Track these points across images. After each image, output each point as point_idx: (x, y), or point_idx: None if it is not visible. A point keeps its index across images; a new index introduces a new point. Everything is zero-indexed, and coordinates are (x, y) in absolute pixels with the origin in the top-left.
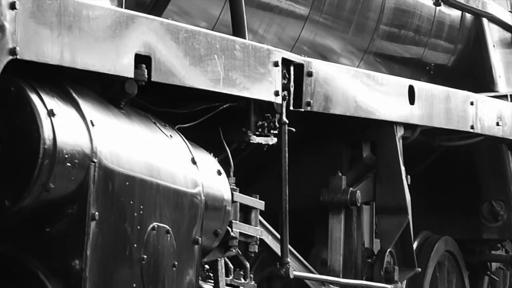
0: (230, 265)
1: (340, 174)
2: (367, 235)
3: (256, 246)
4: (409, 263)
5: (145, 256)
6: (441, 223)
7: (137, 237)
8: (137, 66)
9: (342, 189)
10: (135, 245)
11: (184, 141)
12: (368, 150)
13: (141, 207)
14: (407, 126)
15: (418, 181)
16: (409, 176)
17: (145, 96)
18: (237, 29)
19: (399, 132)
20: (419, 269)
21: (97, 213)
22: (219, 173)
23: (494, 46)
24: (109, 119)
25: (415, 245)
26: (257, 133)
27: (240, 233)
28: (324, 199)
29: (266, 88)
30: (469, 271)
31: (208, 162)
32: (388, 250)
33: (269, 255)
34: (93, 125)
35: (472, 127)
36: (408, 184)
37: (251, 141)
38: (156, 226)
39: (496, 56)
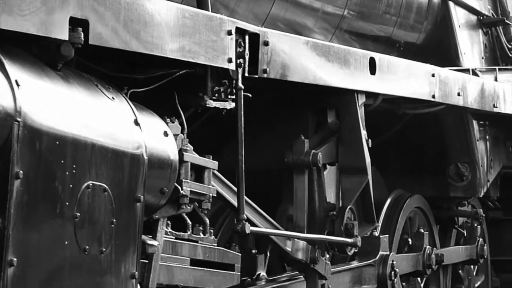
0: (188, 221)
1: (303, 137)
2: (334, 194)
3: (209, 204)
4: (369, 219)
5: (78, 214)
6: (412, 182)
7: (69, 195)
8: (74, 29)
9: (305, 151)
10: (67, 203)
11: (129, 103)
12: (333, 116)
13: (74, 166)
14: (369, 95)
15: (393, 145)
16: (370, 140)
17: (105, 63)
18: (200, 1)
19: (361, 100)
20: (378, 224)
21: (21, 171)
22: (165, 134)
23: (459, 26)
24: (40, 80)
25: (387, 202)
26: (213, 98)
27: (192, 192)
28: (288, 161)
29: (219, 55)
30: (439, 225)
31: (154, 123)
32: (349, 207)
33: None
34: (18, 85)
35: (433, 96)
36: (368, 147)
37: (207, 105)
38: (91, 184)
39: (462, 35)
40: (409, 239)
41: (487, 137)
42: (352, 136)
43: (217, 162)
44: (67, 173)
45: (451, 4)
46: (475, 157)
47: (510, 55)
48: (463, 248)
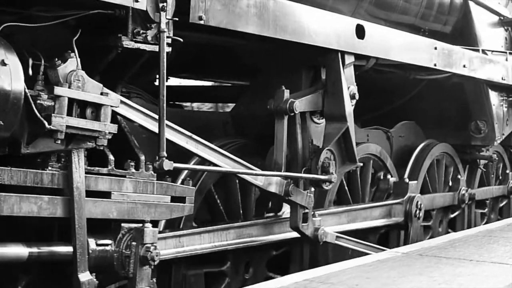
0: (111, 157)
1: (283, 88)
2: (322, 138)
3: (105, 141)
4: (351, 159)
5: None
6: (442, 133)
7: None
8: None
9: (283, 100)
10: None
11: None
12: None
13: None
14: (359, 56)
15: (429, 105)
16: (357, 94)
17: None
18: None
19: (348, 60)
20: (360, 164)
21: None
22: (2, 63)
23: (480, 22)
24: None
25: (418, 148)
26: (135, 40)
27: (75, 127)
28: (270, 108)
29: None
30: (467, 165)
31: None
32: (327, 148)
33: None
34: None
35: (435, 65)
36: (356, 99)
37: (125, 46)
38: None
39: (482, 29)
40: (450, 182)
41: (504, 102)
42: (335, 89)
43: (118, 100)
44: None
45: (471, 4)
46: (491, 116)
47: None
48: (495, 187)
